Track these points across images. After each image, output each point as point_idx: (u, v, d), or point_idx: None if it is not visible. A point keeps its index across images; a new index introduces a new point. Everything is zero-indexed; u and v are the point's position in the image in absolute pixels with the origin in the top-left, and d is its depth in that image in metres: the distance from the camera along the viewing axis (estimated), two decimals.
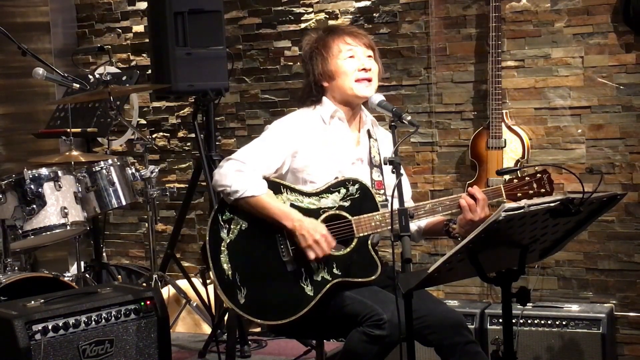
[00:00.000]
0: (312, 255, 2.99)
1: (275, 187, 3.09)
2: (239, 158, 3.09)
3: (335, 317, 3.03)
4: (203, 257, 3.10)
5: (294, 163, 3.16)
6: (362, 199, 3.09)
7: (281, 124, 3.22)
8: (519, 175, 3.15)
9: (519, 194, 3.09)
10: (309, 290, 3.01)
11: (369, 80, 3.18)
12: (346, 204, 3.09)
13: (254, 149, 3.14)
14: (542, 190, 3.09)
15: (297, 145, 3.15)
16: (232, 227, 3.07)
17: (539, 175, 3.10)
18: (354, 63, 3.18)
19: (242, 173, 3.04)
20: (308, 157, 3.15)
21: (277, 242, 3.05)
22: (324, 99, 3.23)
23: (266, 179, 3.10)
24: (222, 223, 3.07)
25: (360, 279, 3.04)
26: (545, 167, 3.15)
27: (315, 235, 2.98)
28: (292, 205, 3.07)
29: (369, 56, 3.22)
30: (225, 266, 3.04)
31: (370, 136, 3.28)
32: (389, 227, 3.04)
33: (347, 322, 2.97)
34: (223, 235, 3.06)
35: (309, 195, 3.10)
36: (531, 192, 3.09)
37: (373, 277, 3.05)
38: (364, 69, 3.17)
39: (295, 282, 3.02)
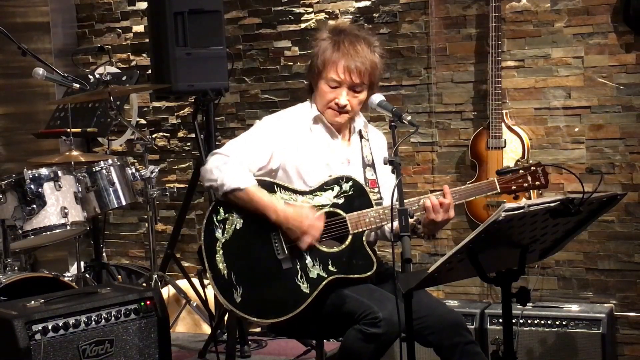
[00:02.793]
0: (304, 245, 3.01)
1: (269, 186, 3.09)
2: (224, 152, 3.10)
3: (332, 316, 3.03)
4: (199, 258, 3.10)
5: (284, 160, 3.16)
6: (356, 196, 3.10)
7: (270, 120, 3.24)
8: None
9: (513, 187, 3.10)
10: (304, 287, 3.02)
11: (343, 113, 3.17)
12: (340, 201, 3.09)
13: (240, 143, 3.15)
14: (537, 183, 3.10)
15: (284, 143, 3.15)
16: (226, 227, 3.06)
17: (533, 168, 3.11)
18: (332, 94, 3.15)
19: (226, 166, 3.05)
20: (297, 155, 3.16)
21: (271, 240, 3.05)
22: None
23: (259, 179, 3.10)
24: (216, 223, 3.06)
25: (355, 276, 3.05)
26: (545, 167, 3.15)
27: (303, 226, 3.00)
28: (286, 204, 3.07)
29: (356, 91, 3.14)
30: (220, 266, 3.04)
31: (362, 136, 3.28)
32: (384, 224, 3.06)
33: (343, 321, 2.97)
34: (218, 236, 3.06)
35: (302, 193, 3.10)
36: (526, 184, 3.10)
37: (369, 274, 3.06)
38: (337, 104, 3.15)
39: (291, 280, 3.02)
